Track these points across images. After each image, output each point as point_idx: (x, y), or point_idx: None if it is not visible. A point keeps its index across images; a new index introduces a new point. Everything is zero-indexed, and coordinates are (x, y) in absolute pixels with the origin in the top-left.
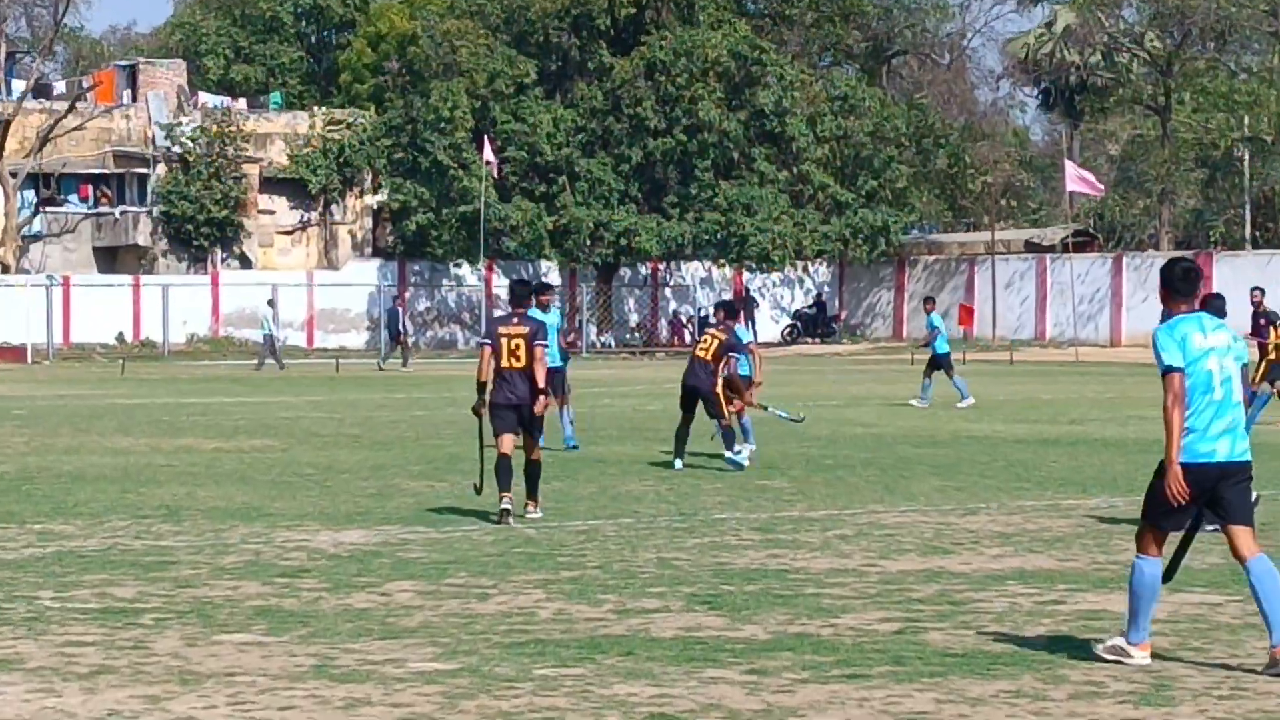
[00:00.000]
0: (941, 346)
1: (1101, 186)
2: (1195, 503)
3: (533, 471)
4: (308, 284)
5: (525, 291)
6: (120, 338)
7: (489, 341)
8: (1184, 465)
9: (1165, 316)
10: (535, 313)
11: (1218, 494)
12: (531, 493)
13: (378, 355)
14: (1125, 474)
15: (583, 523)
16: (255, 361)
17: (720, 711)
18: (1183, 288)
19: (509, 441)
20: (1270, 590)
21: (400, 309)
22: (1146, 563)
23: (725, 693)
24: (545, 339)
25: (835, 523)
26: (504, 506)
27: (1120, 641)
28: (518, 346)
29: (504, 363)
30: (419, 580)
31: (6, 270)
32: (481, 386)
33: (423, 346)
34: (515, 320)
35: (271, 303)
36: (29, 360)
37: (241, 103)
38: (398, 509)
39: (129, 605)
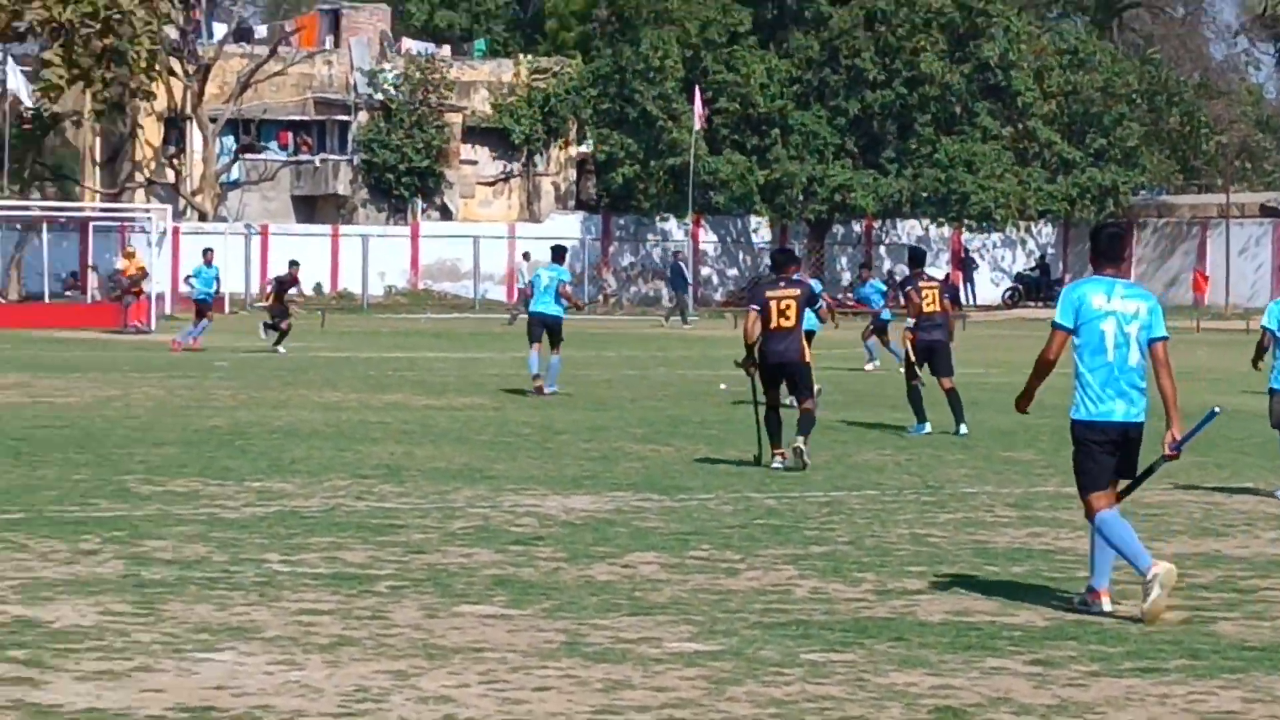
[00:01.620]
0: (884, 311)
1: None
2: (1111, 456)
3: (806, 419)
4: (509, 236)
5: (785, 259)
6: (318, 288)
7: (757, 306)
8: (1084, 424)
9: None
10: None
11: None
12: (803, 432)
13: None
14: None
15: (824, 494)
16: (508, 316)
17: (1010, 706)
18: (1110, 254)
19: (776, 396)
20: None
21: (682, 264)
22: (1105, 515)
23: (1011, 685)
24: (818, 302)
25: None
26: (775, 464)
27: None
28: (788, 307)
29: (773, 324)
30: (661, 552)
31: (205, 218)
32: (750, 348)
33: (625, 303)
34: (783, 284)
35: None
36: (227, 310)
37: (445, 49)
38: (626, 474)
39: (361, 571)
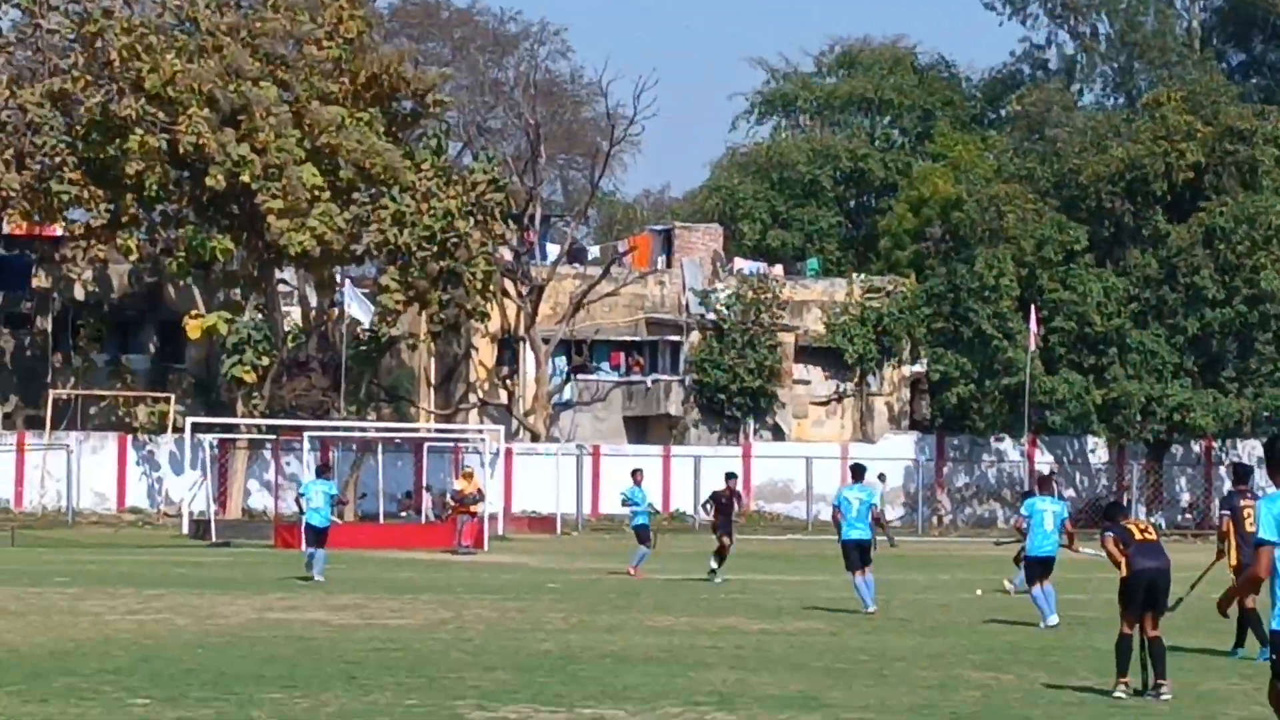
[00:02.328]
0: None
1: None
2: None
3: (1159, 651)
4: (841, 457)
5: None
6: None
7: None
8: None
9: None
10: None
11: None
12: (1160, 671)
13: (912, 531)
14: None
15: None
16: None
17: None
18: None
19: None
20: None
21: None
22: None
23: None
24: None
25: None
26: (1118, 693)
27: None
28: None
29: (1138, 537)
30: None
31: (537, 438)
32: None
33: (960, 525)
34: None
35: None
36: (558, 531)
37: (778, 269)
38: (966, 703)
39: None
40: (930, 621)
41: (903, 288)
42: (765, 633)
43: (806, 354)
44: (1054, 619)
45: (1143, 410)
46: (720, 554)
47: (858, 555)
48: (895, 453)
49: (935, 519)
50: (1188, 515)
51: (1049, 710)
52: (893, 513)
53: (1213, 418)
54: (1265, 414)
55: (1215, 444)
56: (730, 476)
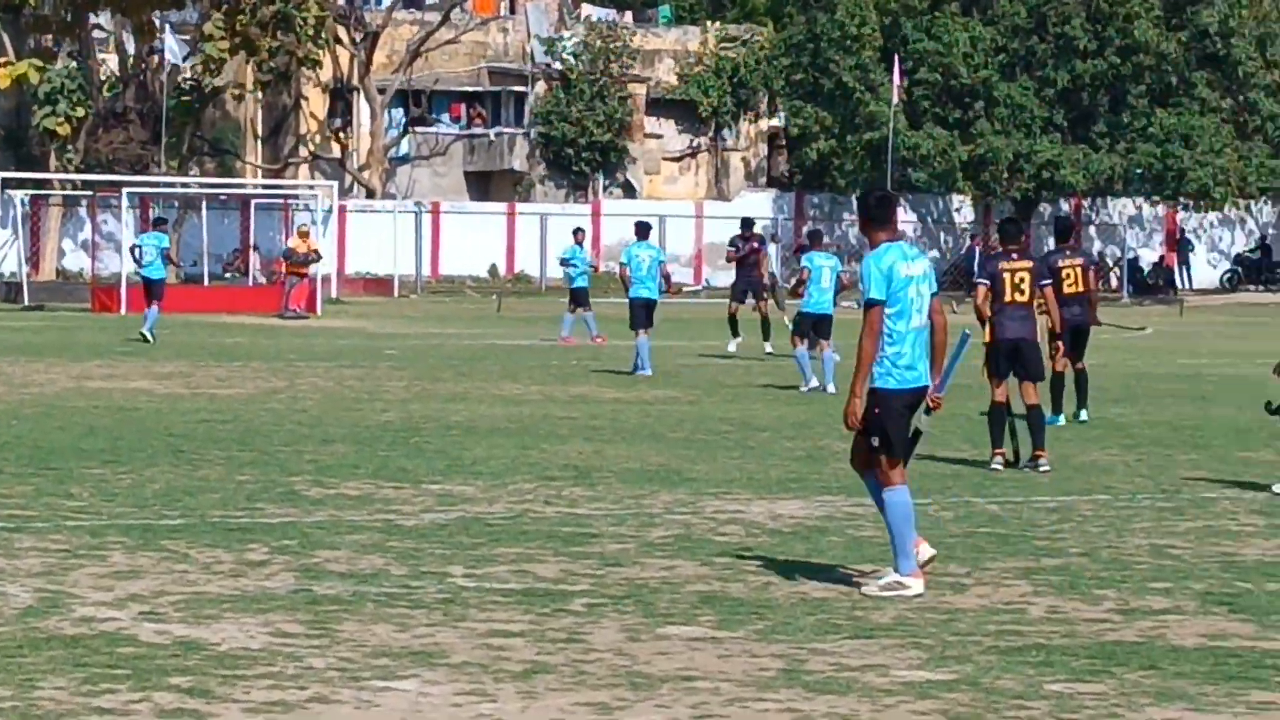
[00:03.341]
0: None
1: None
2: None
3: (1034, 419)
4: (696, 215)
5: (1016, 230)
6: (493, 270)
7: (986, 280)
8: (898, 391)
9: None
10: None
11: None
12: (1038, 442)
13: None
14: None
15: (1051, 499)
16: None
17: None
18: (879, 215)
19: (1004, 389)
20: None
21: (976, 248)
22: (898, 492)
23: None
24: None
25: None
26: (995, 465)
27: (894, 576)
28: (1022, 281)
29: (1007, 298)
30: (879, 565)
31: (373, 195)
32: (984, 322)
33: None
34: (1015, 256)
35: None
36: (395, 293)
37: (628, 16)
38: (835, 476)
39: (554, 587)
40: (796, 389)
41: (760, 37)
42: (620, 402)
43: (658, 107)
44: (813, 383)
45: (1010, 167)
46: (732, 321)
47: (644, 314)
48: (752, 211)
49: (794, 280)
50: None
51: (923, 484)
52: None
53: (1083, 175)
54: (1137, 171)
55: (1085, 202)
56: (746, 224)
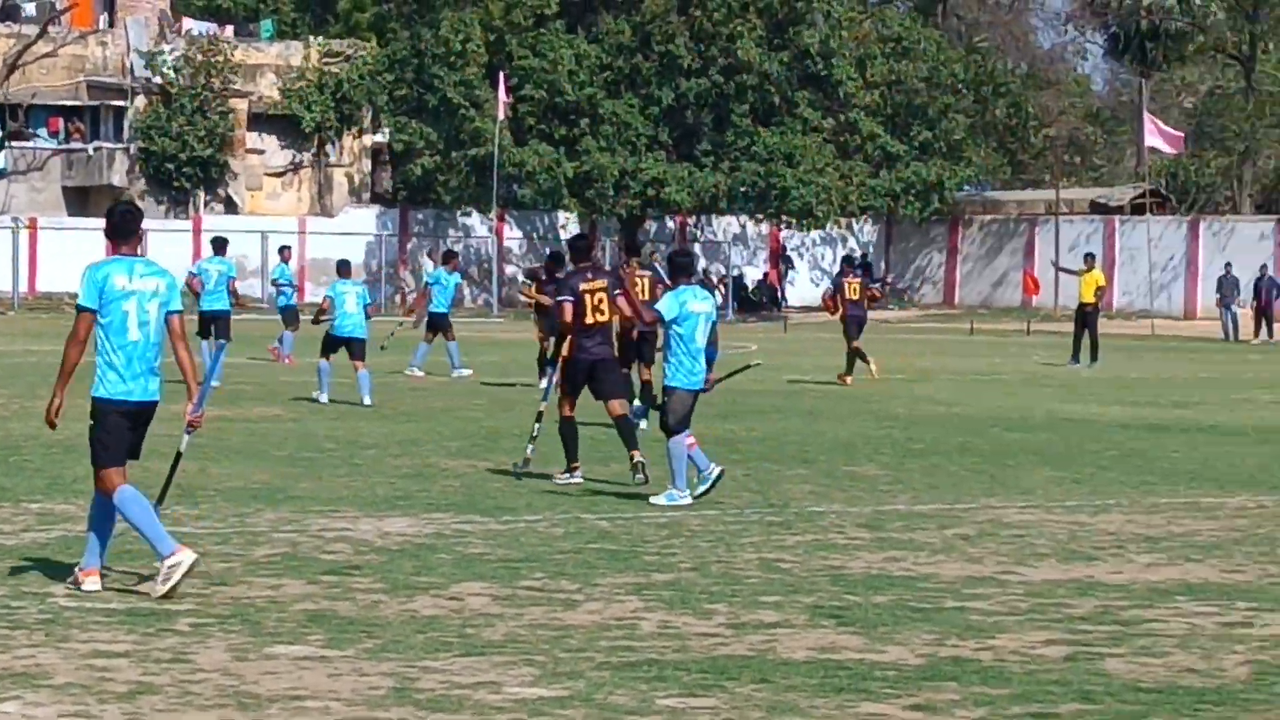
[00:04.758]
0: (440, 305)
1: (1180, 140)
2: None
3: (629, 427)
4: (299, 231)
5: (587, 246)
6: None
7: (571, 298)
8: (109, 401)
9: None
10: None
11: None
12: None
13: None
14: (1262, 468)
15: (661, 514)
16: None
17: None
18: (122, 231)
19: (572, 404)
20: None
21: (654, 264)
22: (126, 491)
23: None
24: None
25: (951, 520)
26: (561, 480)
27: (78, 574)
28: (601, 300)
29: (588, 319)
30: (490, 582)
31: None
32: (565, 337)
33: None
34: (591, 276)
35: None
36: None
37: (229, 30)
38: (444, 493)
39: (158, 607)
40: (403, 407)
41: (364, 52)
42: (224, 419)
43: (261, 122)
44: (367, 399)
45: (616, 184)
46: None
47: (212, 326)
48: (356, 227)
49: (399, 297)
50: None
51: (533, 500)
52: None
53: (687, 192)
54: (741, 189)
55: (690, 220)
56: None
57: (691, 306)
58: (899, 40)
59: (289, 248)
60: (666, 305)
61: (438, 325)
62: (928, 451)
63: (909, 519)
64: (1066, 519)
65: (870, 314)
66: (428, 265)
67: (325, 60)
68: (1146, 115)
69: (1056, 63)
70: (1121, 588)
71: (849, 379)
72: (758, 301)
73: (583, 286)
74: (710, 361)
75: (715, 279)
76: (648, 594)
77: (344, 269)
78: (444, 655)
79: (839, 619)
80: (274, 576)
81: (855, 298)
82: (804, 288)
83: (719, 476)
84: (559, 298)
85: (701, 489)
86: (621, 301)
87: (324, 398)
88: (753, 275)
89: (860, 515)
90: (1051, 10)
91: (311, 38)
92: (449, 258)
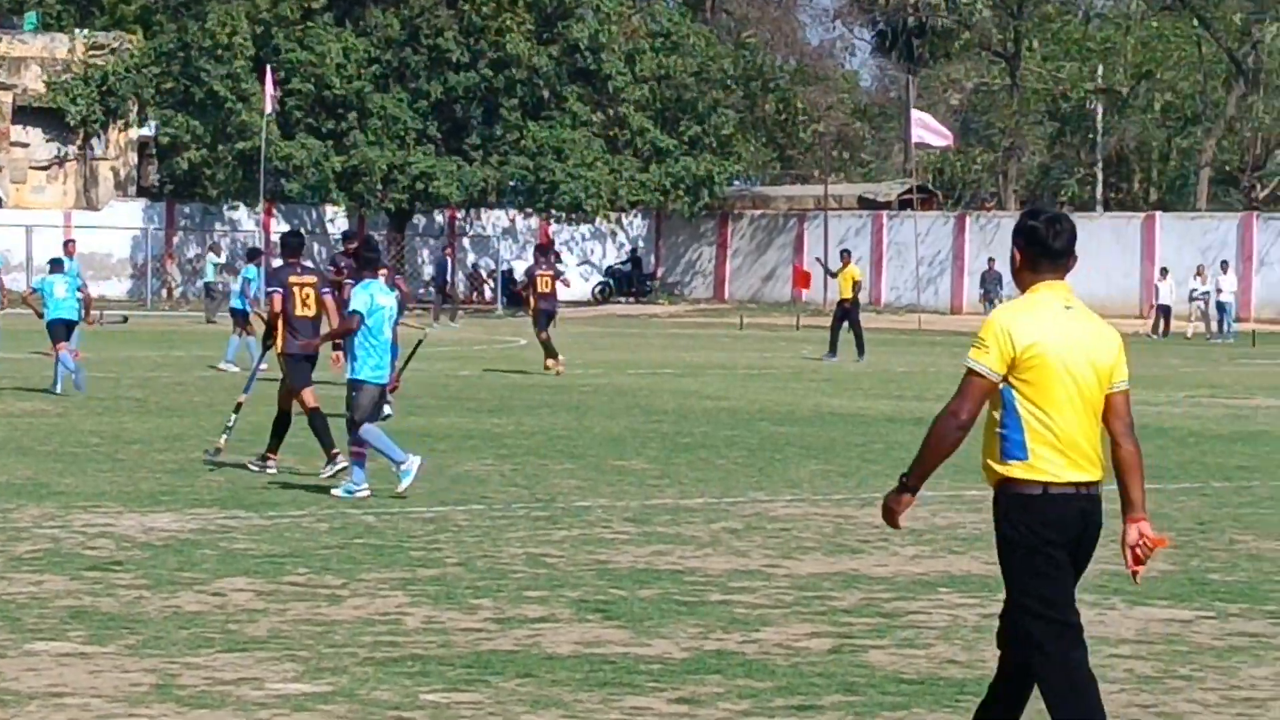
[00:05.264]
0: (238, 301)
1: (950, 136)
2: None
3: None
4: (64, 225)
5: (299, 242)
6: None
7: (280, 290)
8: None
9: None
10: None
11: None
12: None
13: (140, 306)
14: None
15: (427, 509)
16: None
17: None
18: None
19: (313, 395)
20: None
21: (449, 259)
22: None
23: None
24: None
25: (718, 514)
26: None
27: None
28: (308, 296)
29: (298, 312)
30: (254, 577)
31: None
32: (275, 329)
33: (191, 298)
34: (300, 271)
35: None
36: None
37: None
38: (208, 488)
39: None
40: (168, 402)
41: (130, 45)
42: None
43: (25, 115)
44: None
45: (384, 178)
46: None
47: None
48: (122, 221)
49: (165, 292)
50: (429, 288)
51: (298, 495)
52: (120, 286)
53: (457, 187)
54: (510, 183)
55: (459, 214)
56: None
57: (379, 300)
58: (668, 35)
59: (73, 241)
60: (359, 300)
61: (238, 320)
62: (696, 445)
63: (676, 513)
64: (833, 512)
65: (641, 309)
66: (212, 258)
67: (91, 53)
68: (916, 111)
69: (825, 58)
70: (886, 580)
71: (557, 365)
72: (527, 297)
73: (291, 279)
74: (392, 358)
75: (484, 273)
76: (413, 589)
77: (57, 266)
78: (206, 651)
79: (605, 613)
80: (35, 573)
81: (547, 291)
82: (574, 282)
83: (343, 469)
84: (268, 289)
85: (329, 472)
86: (329, 300)
87: (59, 388)
88: (521, 270)
89: (627, 510)
90: (820, 6)
91: (77, 30)
92: (254, 255)
